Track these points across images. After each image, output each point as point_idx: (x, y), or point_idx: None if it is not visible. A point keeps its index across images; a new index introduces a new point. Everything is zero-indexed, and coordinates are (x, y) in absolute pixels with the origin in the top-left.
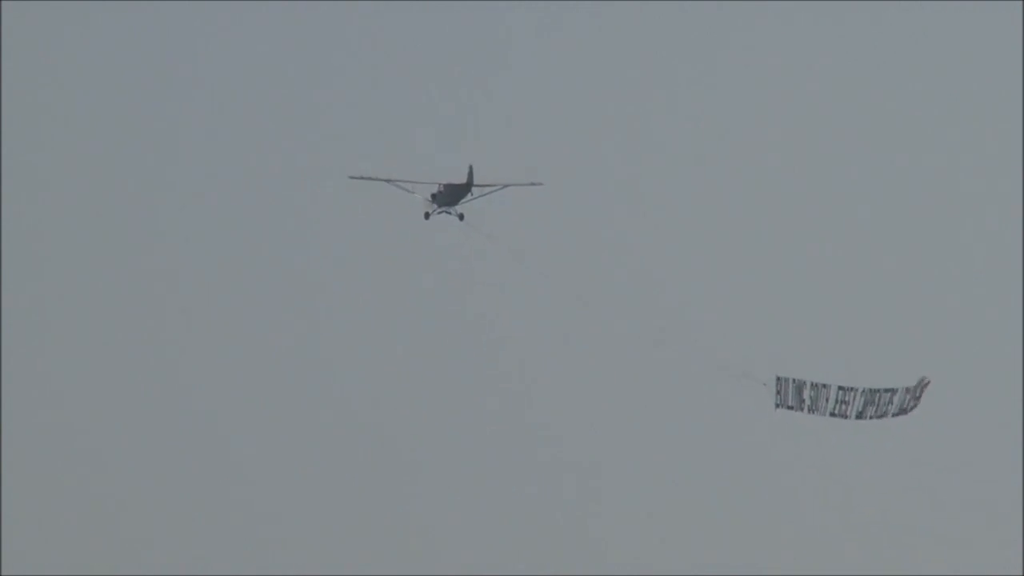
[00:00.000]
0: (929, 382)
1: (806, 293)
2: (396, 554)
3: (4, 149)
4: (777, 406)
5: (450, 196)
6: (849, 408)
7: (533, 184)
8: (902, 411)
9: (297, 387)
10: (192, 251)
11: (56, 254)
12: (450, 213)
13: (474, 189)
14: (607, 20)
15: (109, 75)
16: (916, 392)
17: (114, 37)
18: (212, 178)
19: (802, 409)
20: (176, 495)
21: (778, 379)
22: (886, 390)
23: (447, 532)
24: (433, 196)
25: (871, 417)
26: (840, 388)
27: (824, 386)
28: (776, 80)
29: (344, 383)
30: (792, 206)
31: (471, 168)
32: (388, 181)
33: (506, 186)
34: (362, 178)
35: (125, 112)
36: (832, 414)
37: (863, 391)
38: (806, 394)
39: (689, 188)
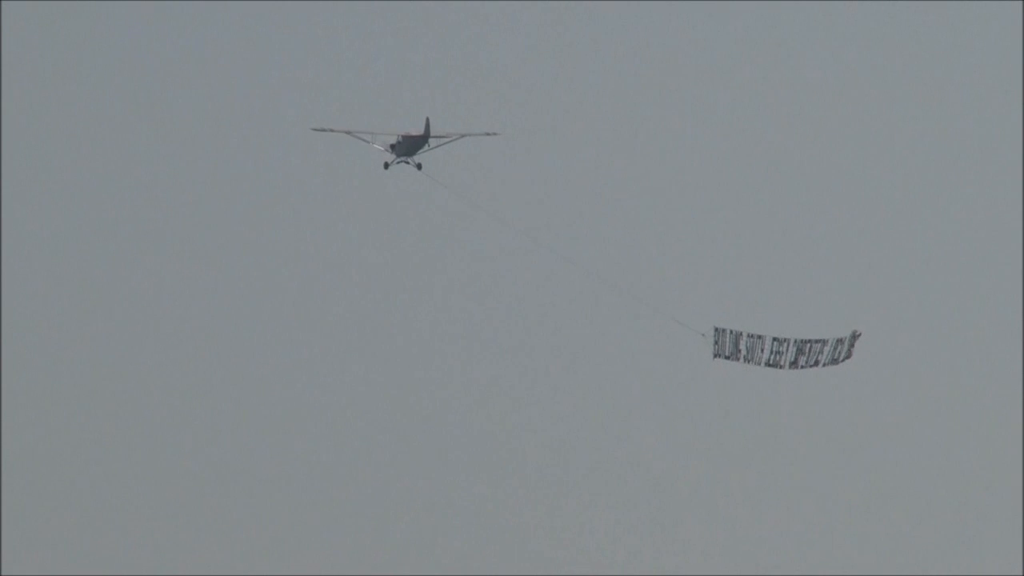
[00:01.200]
0: (860, 334)
1: (749, 248)
2: (375, 547)
3: (4, 149)
4: (715, 356)
5: (408, 147)
6: (783, 358)
7: (489, 134)
8: (834, 361)
9: (267, 347)
10: (163, 206)
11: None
12: (408, 163)
13: (431, 140)
14: None
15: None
16: (849, 343)
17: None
18: (180, 134)
19: (739, 359)
20: (175, 494)
21: (716, 330)
22: (817, 341)
23: (407, 506)
24: (392, 147)
25: (803, 366)
26: (774, 339)
27: (759, 337)
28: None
29: (310, 336)
30: (740, 162)
31: (428, 120)
32: (348, 133)
33: (463, 136)
34: (324, 130)
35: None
36: (767, 364)
37: (795, 341)
38: (743, 344)
39: (639, 142)
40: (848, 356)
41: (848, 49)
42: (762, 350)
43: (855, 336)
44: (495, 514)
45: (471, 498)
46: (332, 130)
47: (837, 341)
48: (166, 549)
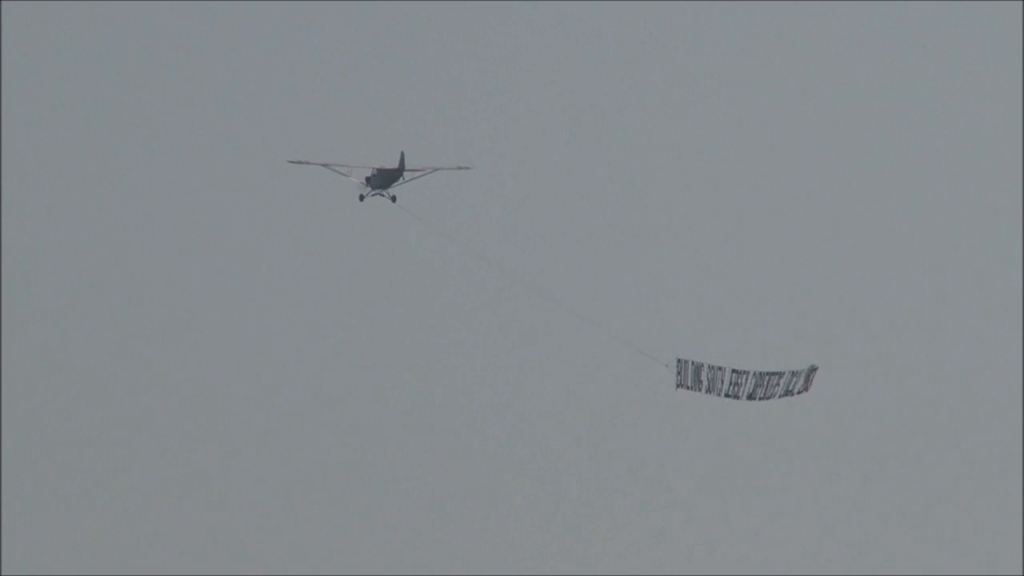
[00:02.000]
0: (817, 368)
1: (712, 281)
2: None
3: (4, 149)
4: (677, 386)
5: (383, 179)
6: (741, 389)
7: (461, 168)
8: (788, 393)
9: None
10: (142, 234)
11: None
12: (383, 195)
13: (406, 173)
14: (537, 9)
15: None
16: (805, 377)
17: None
18: (158, 165)
19: (700, 389)
20: (175, 494)
21: (679, 361)
22: (774, 373)
23: (386, 514)
24: (367, 179)
25: (760, 398)
26: (734, 371)
27: (720, 368)
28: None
29: (289, 359)
30: (708, 196)
31: (402, 154)
32: (325, 165)
33: (436, 170)
34: (300, 162)
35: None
36: (727, 395)
37: (754, 374)
38: (704, 375)
39: (608, 174)
40: (805, 389)
41: (839, 70)
42: (722, 381)
43: (812, 370)
44: (457, 546)
45: (430, 538)
46: (309, 163)
47: (792, 374)
48: (166, 549)
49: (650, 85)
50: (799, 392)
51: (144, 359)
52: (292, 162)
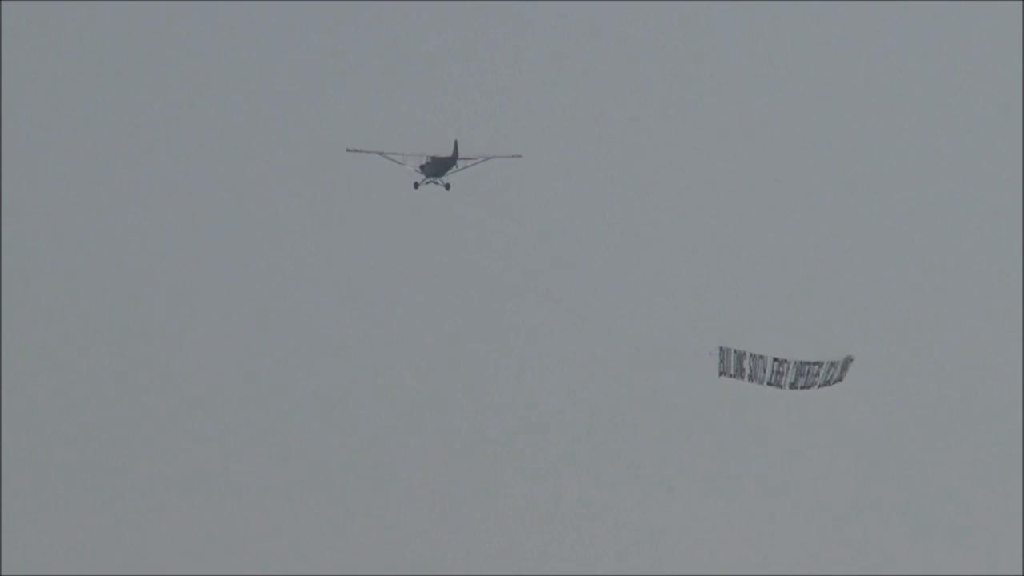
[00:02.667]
0: (853, 359)
1: (757, 270)
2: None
3: (4, 149)
4: (720, 374)
5: (437, 168)
6: (783, 378)
7: (513, 156)
8: (827, 383)
9: (296, 354)
10: (200, 221)
11: (52, 251)
12: (437, 183)
13: (459, 161)
14: (589, 5)
15: (104, 55)
16: (842, 367)
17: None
18: (225, 157)
19: (742, 377)
20: (175, 494)
21: (721, 349)
22: (814, 363)
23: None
24: (422, 167)
25: (801, 387)
26: (775, 360)
27: (761, 357)
28: (733, 64)
29: (340, 344)
30: (755, 190)
31: (456, 142)
32: (380, 154)
33: (489, 158)
34: (357, 151)
35: (124, 96)
36: (769, 383)
37: (795, 363)
38: (746, 364)
39: (656, 166)
40: (840, 379)
41: (843, 69)
42: (764, 370)
43: (848, 361)
44: (501, 526)
45: (483, 516)
46: (365, 151)
47: (831, 364)
48: (166, 549)
49: (699, 77)
50: (835, 382)
51: (200, 351)
52: (350, 150)
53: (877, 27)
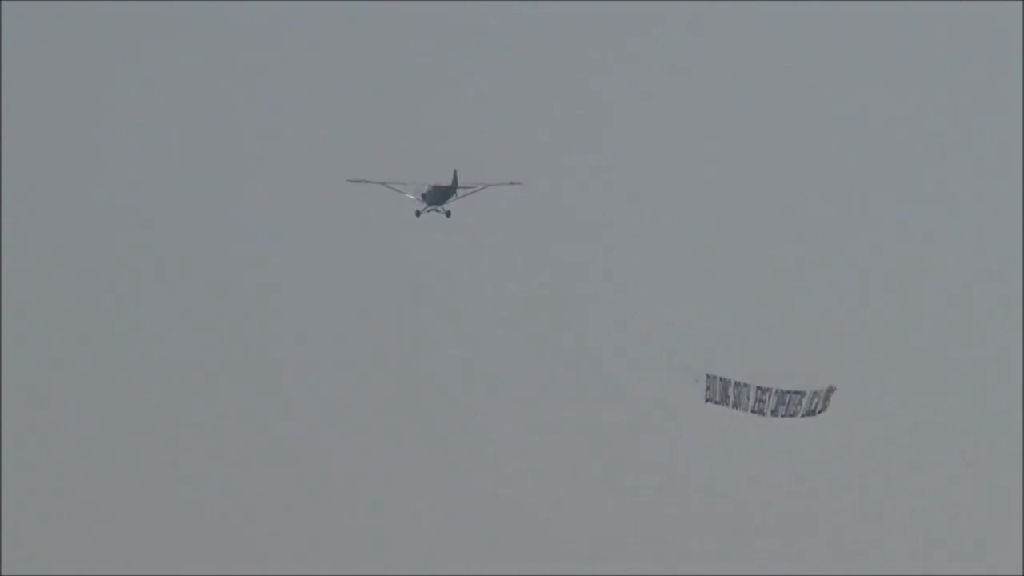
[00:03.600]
0: (835, 389)
1: (744, 299)
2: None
3: (4, 149)
4: (707, 400)
5: (437, 196)
6: (766, 406)
7: (512, 184)
8: (810, 412)
9: (300, 375)
10: (211, 248)
11: (54, 253)
12: (438, 211)
13: (458, 190)
14: (582, 23)
15: (108, 75)
16: (824, 397)
17: (113, 36)
18: (223, 183)
19: (727, 404)
20: (175, 494)
21: (708, 376)
22: (796, 392)
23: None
24: (423, 196)
25: (783, 415)
26: (758, 388)
27: (745, 385)
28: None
29: (343, 367)
30: (747, 220)
31: (455, 171)
32: (382, 184)
33: (488, 186)
34: (359, 181)
35: (123, 113)
36: (752, 411)
37: (776, 391)
38: (731, 391)
39: (653, 190)
40: (823, 409)
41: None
42: (748, 398)
43: (830, 390)
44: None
45: (460, 539)
46: (368, 181)
47: (813, 394)
48: (166, 549)
49: (698, 107)
50: (819, 412)
51: (192, 371)
52: (352, 181)
53: (877, 27)
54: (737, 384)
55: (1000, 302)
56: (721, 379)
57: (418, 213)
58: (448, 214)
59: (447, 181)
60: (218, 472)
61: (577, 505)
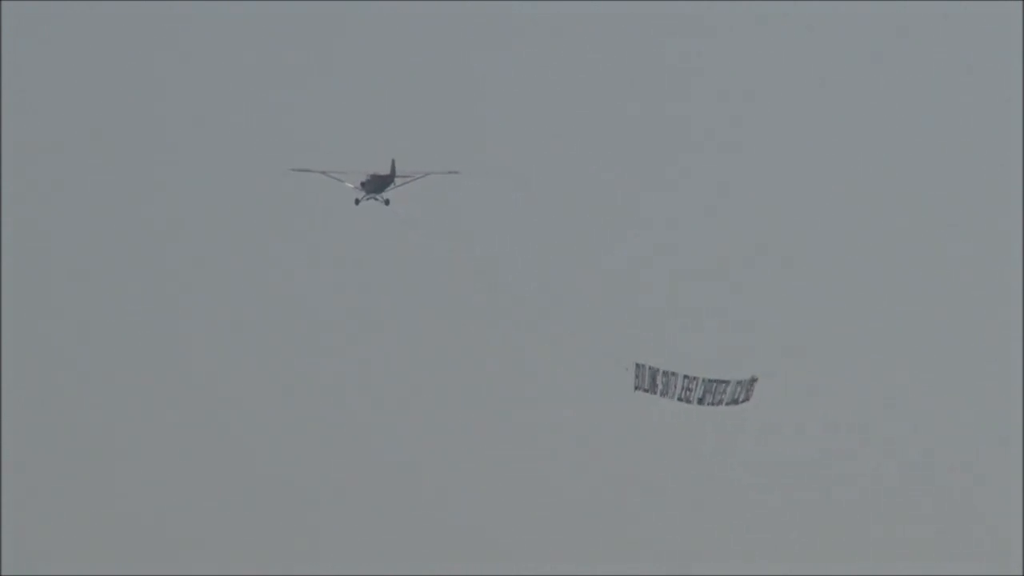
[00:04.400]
0: (757, 379)
1: (676, 288)
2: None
3: (4, 149)
4: (636, 388)
5: (377, 185)
6: (692, 394)
7: (450, 172)
8: (734, 401)
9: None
10: (161, 238)
11: (48, 251)
12: (377, 199)
13: (397, 179)
14: (523, 11)
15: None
16: (747, 386)
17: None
18: (173, 172)
19: (655, 392)
20: (175, 494)
21: (637, 365)
22: (721, 381)
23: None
24: (362, 184)
25: (709, 404)
26: (685, 376)
27: (673, 374)
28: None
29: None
30: (680, 201)
31: (393, 161)
32: (323, 173)
33: (427, 174)
34: (301, 170)
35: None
36: (679, 399)
37: (703, 380)
38: (659, 379)
39: (585, 181)
40: (747, 399)
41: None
42: (675, 386)
43: (753, 380)
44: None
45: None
46: (310, 170)
47: (737, 383)
48: (166, 549)
49: (634, 89)
50: (742, 401)
51: (148, 362)
52: (294, 169)
53: (877, 27)
54: (665, 373)
55: (993, 302)
56: (650, 367)
57: (357, 201)
58: (387, 202)
59: (386, 170)
60: (217, 472)
61: (510, 503)
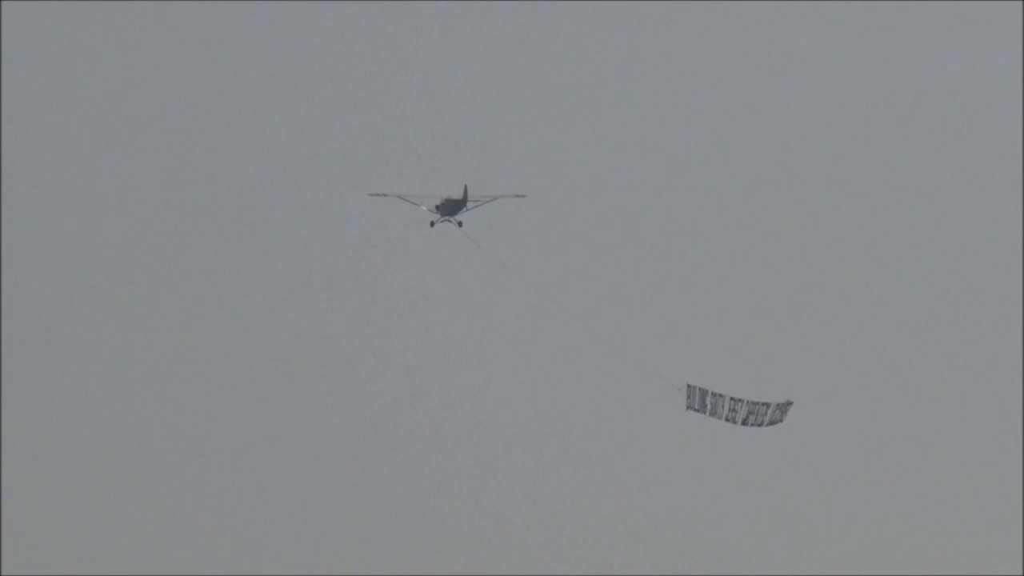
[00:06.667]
0: (792, 403)
1: (727, 313)
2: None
3: (4, 149)
4: (687, 408)
5: (450, 208)
6: (737, 415)
7: (518, 196)
8: (772, 423)
9: (315, 383)
10: (232, 259)
11: (57, 257)
12: (451, 221)
13: (468, 203)
14: (598, 34)
15: (116, 78)
16: (783, 409)
17: (117, 37)
18: (247, 199)
19: (704, 412)
20: (175, 494)
21: (688, 386)
22: (762, 404)
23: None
24: (436, 208)
25: (752, 425)
26: (732, 399)
27: (720, 395)
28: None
29: (363, 373)
30: (737, 235)
31: (466, 186)
32: (399, 197)
33: (496, 198)
34: (379, 195)
35: (143, 121)
36: (726, 419)
37: (747, 402)
38: (708, 400)
39: (652, 204)
40: (780, 421)
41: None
42: (722, 407)
43: (788, 404)
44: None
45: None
46: (386, 195)
47: (777, 406)
48: (166, 549)
49: (698, 126)
50: (777, 423)
51: (202, 381)
52: (372, 194)
53: (876, 27)
54: (714, 394)
55: (994, 309)
56: (700, 389)
57: (432, 223)
58: (460, 224)
59: (458, 195)
60: (216, 471)
61: (574, 506)
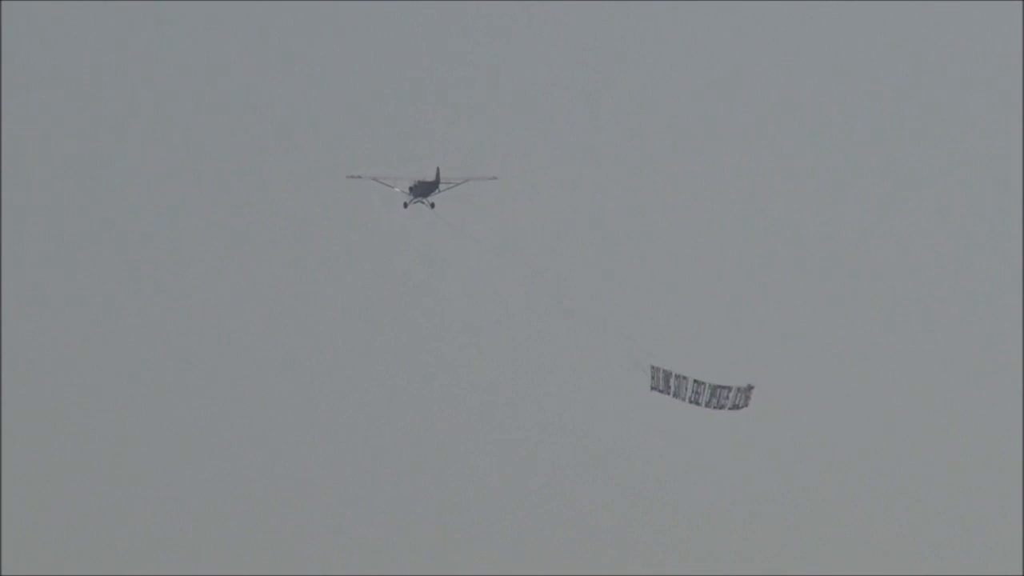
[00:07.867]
0: (753, 387)
1: (691, 296)
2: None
3: (4, 149)
4: (651, 388)
5: (423, 190)
6: (700, 397)
7: (490, 179)
8: (734, 407)
9: (294, 367)
10: (217, 236)
11: (53, 251)
12: (423, 202)
13: (441, 185)
14: (560, 21)
15: (110, 75)
16: (746, 393)
17: (114, 37)
18: (234, 180)
19: (668, 393)
20: (175, 494)
21: (652, 367)
22: (724, 387)
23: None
24: (410, 189)
25: (714, 407)
26: (695, 381)
27: (684, 377)
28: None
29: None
30: (714, 219)
31: (438, 168)
32: (374, 179)
33: (468, 180)
34: (356, 176)
35: (140, 114)
36: (689, 400)
37: (710, 385)
38: (672, 382)
39: (620, 187)
40: (745, 405)
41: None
42: (685, 389)
43: (749, 388)
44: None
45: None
46: (363, 177)
47: (737, 390)
48: (166, 549)
49: (667, 108)
50: (741, 407)
51: (192, 366)
52: (350, 176)
53: (876, 28)
54: (677, 376)
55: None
56: (664, 370)
57: (405, 204)
58: (432, 205)
59: (431, 177)
60: (217, 472)
61: (532, 496)
